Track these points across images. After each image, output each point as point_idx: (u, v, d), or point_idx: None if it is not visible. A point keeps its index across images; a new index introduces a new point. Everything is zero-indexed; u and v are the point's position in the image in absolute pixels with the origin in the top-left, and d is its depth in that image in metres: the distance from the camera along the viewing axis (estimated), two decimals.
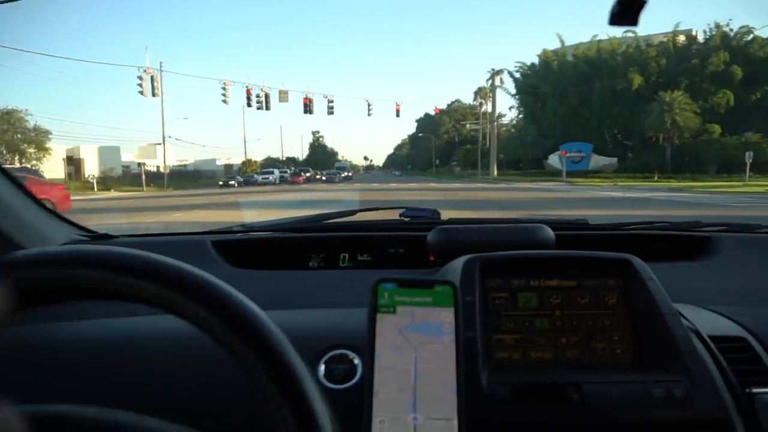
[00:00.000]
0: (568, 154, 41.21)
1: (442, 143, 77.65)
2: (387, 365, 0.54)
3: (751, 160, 31.13)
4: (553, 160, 44.95)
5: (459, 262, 0.93)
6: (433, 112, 62.97)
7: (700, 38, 45.31)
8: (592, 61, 45.96)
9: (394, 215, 1.61)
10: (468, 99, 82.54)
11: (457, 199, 17.47)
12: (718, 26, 43.70)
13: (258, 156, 76.02)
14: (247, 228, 1.43)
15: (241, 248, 1.29)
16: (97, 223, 9.31)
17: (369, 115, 36.07)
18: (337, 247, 1.38)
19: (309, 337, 0.83)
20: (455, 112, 77.00)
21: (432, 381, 0.53)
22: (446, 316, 0.56)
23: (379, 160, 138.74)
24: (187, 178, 48.92)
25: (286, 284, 1.12)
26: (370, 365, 0.54)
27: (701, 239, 1.49)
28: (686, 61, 42.05)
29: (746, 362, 0.86)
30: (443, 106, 79.47)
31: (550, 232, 1.21)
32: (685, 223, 1.62)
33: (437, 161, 69.99)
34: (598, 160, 43.28)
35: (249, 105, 33.49)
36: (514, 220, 1.42)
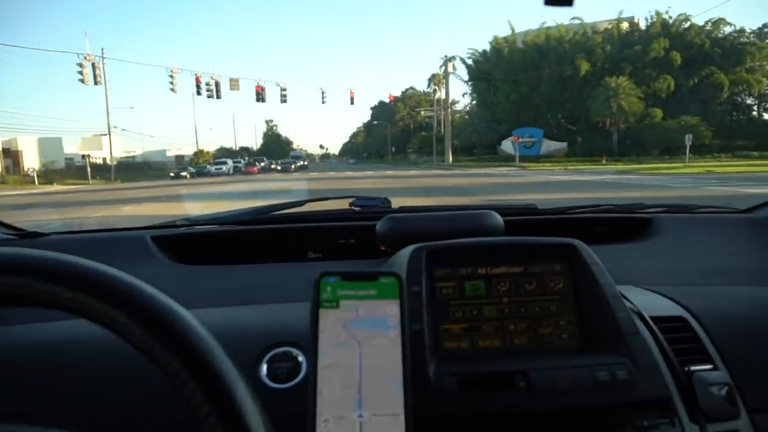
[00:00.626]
0: (520, 140, 41.99)
1: (398, 131, 77.78)
2: (330, 362, 0.53)
3: (690, 143, 32.58)
4: (506, 145, 45.60)
5: (405, 253, 0.92)
6: (387, 100, 62.85)
7: (642, 25, 46.99)
8: (541, 48, 46.81)
9: (344, 205, 1.59)
10: (422, 86, 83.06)
11: (413, 186, 17.57)
12: (658, 14, 45.41)
13: (210, 146, 74.20)
14: (192, 222, 1.38)
15: (185, 243, 1.25)
16: (34, 219, 8.86)
17: (323, 102, 35.71)
18: (286, 239, 1.35)
19: (251, 335, 0.81)
20: (410, 99, 77.15)
21: (377, 376, 0.52)
22: (391, 309, 0.56)
23: (334, 149, 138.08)
24: (136, 170, 47.25)
25: (233, 280, 1.09)
26: (313, 363, 0.53)
27: (643, 221, 1.54)
28: (629, 48, 43.43)
29: (685, 341, 0.88)
30: (398, 93, 79.62)
31: (498, 219, 1.22)
32: (628, 205, 1.67)
33: (393, 149, 70.09)
34: (549, 145, 44.21)
35: (198, 93, 32.60)
36: (464, 207, 1.43)
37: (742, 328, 0.93)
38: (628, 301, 0.92)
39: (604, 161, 36.38)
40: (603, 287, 0.86)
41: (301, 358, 0.78)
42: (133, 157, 59.06)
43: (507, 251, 0.91)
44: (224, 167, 42.18)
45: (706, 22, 43.86)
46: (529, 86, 47.21)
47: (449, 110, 51.35)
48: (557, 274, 0.90)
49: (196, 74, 31.64)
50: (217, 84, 32.30)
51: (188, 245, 1.25)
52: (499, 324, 0.85)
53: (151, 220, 1.62)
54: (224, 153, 68.40)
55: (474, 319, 0.85)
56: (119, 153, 50.85)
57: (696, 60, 42.35)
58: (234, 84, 33.84)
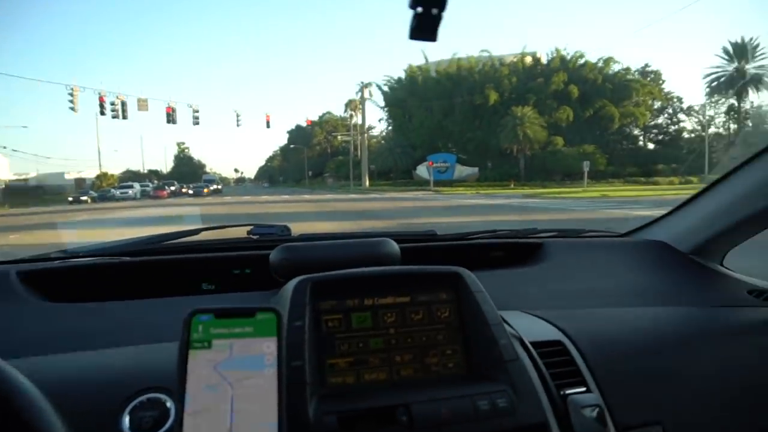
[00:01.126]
0: (434, 165, 43.28)
1: (315, 155, 77.50)
2: (199, 408, 0.49)
3: (588, 169, 35.28)
4: (421, 170, 46.69)
5: (290, 285, 0.90)
6: (304, 124, 62.71)
7: (544, 60, 50.56)
8: (453, 78, 48.84)
9: (242, 233, 1.53)
10: (339, 111, 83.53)
11: (329, 210, 17.57)
12: (557, 50, 49.20)
13: (116, 169, 69.81)
14: (70, 254, 1.26)
15: (57, 278, 1.14)
16: None
17: (238, 125, 34.89)
18: (176, 271, 1.28)
19: (116, 381, 0.76)
20: (327, 123, 77.39)
21: (250, 420, 0.49)
22: (269, 347, 0.52)
23: (250, 173, 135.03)
24: (28, 194, 43.50)
25: (107, 318, 1.01)
26: (179, 410, 0.50)
27: (535, 245, 1.61)
28: (533, 80, 46.55)
29: (562, 365, 0.92)
30: (315, 117, 79.66)
31: (395, 247, 1.22)
32: (523, 230, 1.74)
33: (310, 173, 69.70)
34: (461, 170, 45.93)
35: (102, 113, 30.69)
36: (363, 235, 1.42)
37: (613, 349, 0.99)
38: (511, 327, 0.95)
39: (512, 186, 38.18)
40: (486, 315, 0.88)
41: (169, 404, 0.74)
42: (26, 180, 54.39)
43: (394, 281, 0.91)
44: (130, 191, 39.82)
45: (598, 60, 48.31)
46: (442, 113, 48.82)
47: (366, 135, 52.06)
48: (443, 302, 0.90)
49: (99, 93, 29.86)
50: (123, 104, 30.61)
51: (61, 280, 1.14)
52: (385, 356, 0.84)
53: (31, 250, 1.48)
54: (131, 176, 64.76)
55: (360, 352, 0.84)
56: (8, 175, 46.57)
57: (591, 93, 46.11)
58: (142, 104, 32.26)
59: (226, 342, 0.52)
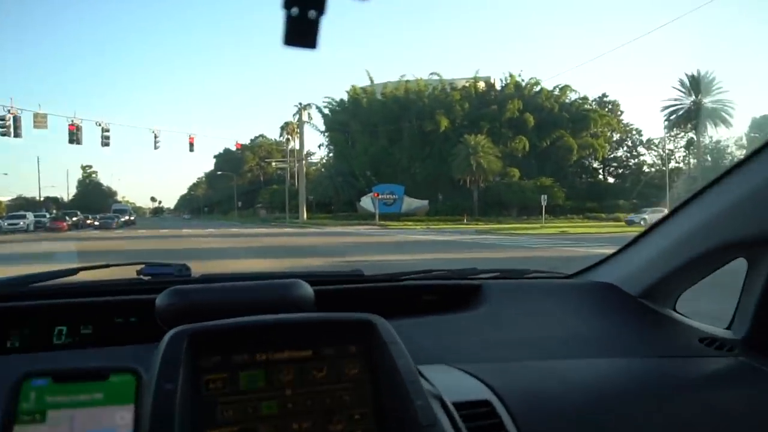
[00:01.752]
0: (380, 196, 43.68)
1: (245, 183, 76.61)
2: None
3: (545, 203, 36.42)
4: (366, 202, 46.99)
5: (165, 338, 0.84)
6: (234, 148, 62.08)
7: (498, 86, 52.57)
8: (400, 101, 50.00)
9: (131, 273, 1.45)
10: (274, 134, 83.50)
11: (258, 246, 17.39)
12: (512, 76, 51.39)
13: (5, 195, 66.67)
14: None
15: None
16: None
17: (156, 147, 34.03)
18: (48, 319, 1.19)
19: None
20: (259, 148, 77.03)
21: None
22: (123, 418, 0.47)
23: (170, 202, 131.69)
24: None
25: None
26: None
27: (472, 288, 1.59)
28: (486, 107, 48.21)
29: (488, 428, 0.90)
30: (246, 141, 79.08)
31: (307, 289, 1.18)
32: (460, 270, 1.74)
33: (240, 203, 68.81)
34: (410, 203, 46.51)
35: None
36: (273, 275, 1.38)
37: (548, 408, 0.97)
38: (431, 384, 0.92)
39: (465, 220, 39.11)
40: (401, 370, 0.84)
41: None
42: None
43: (294, 331, 0.87)
44: (21, 222, 37.52)
45: (554, 87, 50.81)
46: (388, 139, 49.74)
47: (304, 162, 52.15)
48: (352, 356, 0.87)
49: None
50: (15, 119, 29.26)
51: None
52: (280, 423, 0.79)
53: None
54: (24, 204, 61.74)
55: (249, 419, 0.78)
56: None
57: (547, 122, 48.13)
58: (40, 120, 30.88)
59: (66, 413, 0.45)
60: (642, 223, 31.00)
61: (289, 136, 69.14)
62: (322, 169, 58.29)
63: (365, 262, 11.31)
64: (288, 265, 10.73)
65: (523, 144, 46.74)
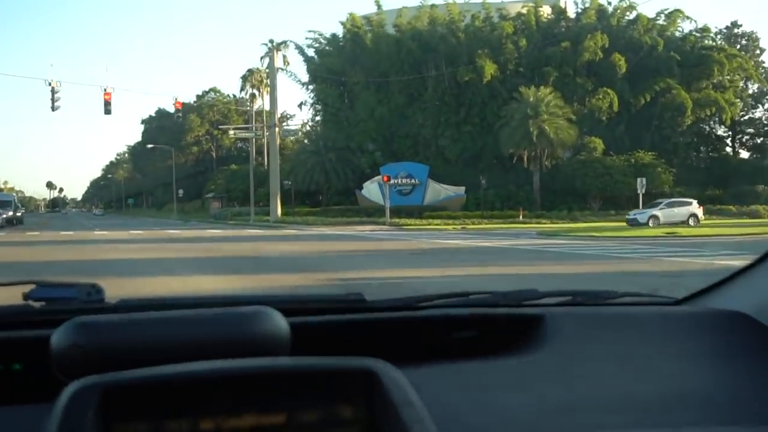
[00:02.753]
0: (392, 181, 43.85)
1: (190, 161, 76.84)
2: None
3: (643, 190, 36.11)
4: (371, 190, 47.44)
5: (63, 396, 0.85)
6: (172, 108, 61.80)
7: (571, 12, 52.13)
8: (422, 37, 49.82)
9: (14, 297, 1.47)
10: (232, 88, 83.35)
11: (209, 257, 17.68)
12: None
13: None
14: None
15: None
16: None
17: (54, 109, 34.06)
18: None
19: None
20: (210, 109, 77.09)
21: None
22: None
23: (76, 190, 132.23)
24: None
25: None
26: None
27: (530, 319, 1.60)
28: (554, 44, 47.86)
29: None
30: (190, 98, 79.16)
31: (278, 322, 1.17)
32: (513, 293, 1.74)
33: (181, 191, 68.74)
34: (437, 191, 46.68)
35: None
36: (223, 301, 1.38)
37: None
38: None
39: (520, 217, 39.12)
40: None
41: None
42: None
43: (258, 385, 0.88)
44: None
45: (658, 14, 50.39)
46: (405, 96, 49.57)
47: (278, 130, 52.04)
48: (345, 424, 0.88)
49: None
50: None
51: None
52: None
53: None
54: None
55: None
56: None
57: (646, 68, 47.76)
58: None
59: None
60: (651, 223, 33.64)
61: (255, 91, 69.01)
62: (306, 141, 58.43)
63: (368, 281, 11.34)
64: (252, 286, 10.77)
65: (609, 101, 46.74)
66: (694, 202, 36.10)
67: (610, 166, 43.73)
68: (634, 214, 34.94)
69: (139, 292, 9.24)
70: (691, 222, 33.92)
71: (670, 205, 35.51)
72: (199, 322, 1.17)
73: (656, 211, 34.67)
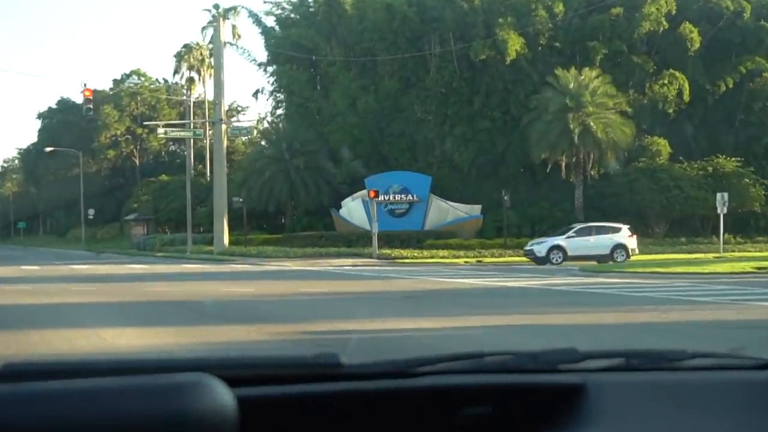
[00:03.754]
0: (382, 197, 44.24)
1: (104, 169, 76.64)
2: None
3: (725, 209, 36.33)
4: (352, 209, 47.87)
5: None
6: (79, 98, 61.82)
7: None
8: (423, 1, 50.12)
9: None
10: (162, 70, 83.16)
11: (131, 300, 17.70)
12: None
13: None
14: None
15: None
16: None
17: None
18: None
19: None
20: (132, 98, 77.00)
21: None
22: None
23: None
24: None
25: None
26: None
27: (566, 389, 1.64)
28: (602, 11, 48.44)
29: None
30: (104, 84, 79.05)
31: (220, 395, 1.17)
32: (544, 354, 1.74)
33: (91, 212, 68.49)
34: (443, 211, 47.04)
35: None
36: (146, 365, 1.38)
37: None
38: None
39: None
40: None
41: None
42: None
43: None
44: None
45: None
46: (399, 81, 50.28)
47: (225, 128, 52.13)
48: None
49: None
50: None
51: None
52: None
53: None
54: None
55: None
56: None
57: (728, 42, 48.48)
58: None
59: None
60: (554, 258, 34.39)
61: (194, 75, 68.89)
62: (263, 143, 58.93)
63: (347, 335, 11.36)
64: (187, 343, 10.80)
65: (677, 87, 47.26)
66: (624, 228, 36.41)
67: (679, 176, 44.20)
68: (532, 245, 35.98)
69: (33, 352, 9.17)
70: (617, 256, 34.49)
71: (584, 231, 35.93)
72: (115, 395, 1.18)
73: (560, 241, 35.25)
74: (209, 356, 1.57)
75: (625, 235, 35.54)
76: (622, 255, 34.52)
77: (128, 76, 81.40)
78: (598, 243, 34.67)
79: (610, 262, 32.89)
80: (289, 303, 17.29)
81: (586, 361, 1.76)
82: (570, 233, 35.41)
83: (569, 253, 33.93)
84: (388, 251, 38.85)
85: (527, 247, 35.86)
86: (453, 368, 1.73)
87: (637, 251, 35.34)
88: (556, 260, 33.56)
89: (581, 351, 1.79)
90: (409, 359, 1.73)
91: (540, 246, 35.02)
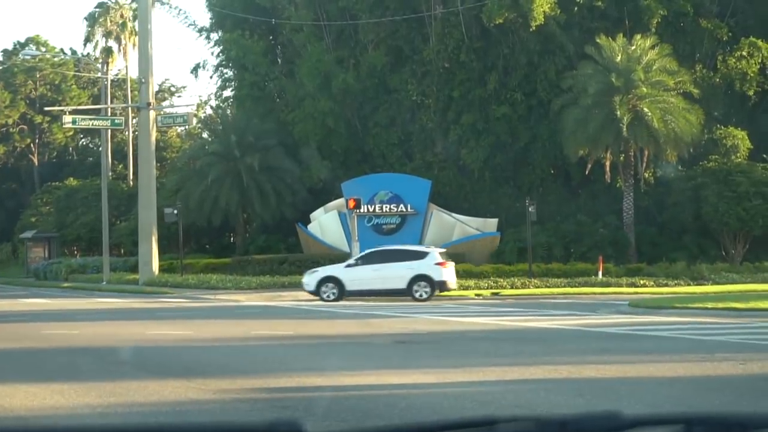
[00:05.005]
0: (365, 208, 44.71)
1: None
2: None
3: None
4: (324, 224, 48.33)
5: None
6: None
7: None
8: None
9: None
10: (71, 39, 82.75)
11: (17, 348, 17.70)
12: None
13: None
14: None
15: None
16: None
17: None
18: None
19: None
20: (29, 76, 76.88)
21: None
22: None
23: None
24: None
25: None
26: None
27: None
28: None
29: None
30: None
31: None
32: (578, 421, 1.75)
33: None
34: (448, 227, 47.49)
35: None
36: None
37: None
38: None
39: (599, 273, 39.89)
40: None
41: None
42: None
43: None
44: None
45: None
46: (388, 53, 50.95)
47: (154, 114, 52.03)
48: None
49: None
50: None
51: None
52: None
53: None
54: None
55: None
56: None
57: None
58: None
59: None
60: (328, 296, 33.30)
61: (113, 44, 68.87)
62: (206, 135, 59.59)
63: (315, 392, 11.44)
64: (98, 404, 10.75)
65: (759, 61, 47.44)
66: (434, 252, 35.53)
67: (763, 180, 44.27)
68: (306, 275, 35.29)
69: None
70: (418, 292, 33.14)
71: (375, 257, 35.02)
72: None
73: (336, 271, 34.59)
74: (128, 424, 1.58)
75: (431, 263, 33.92)
76: (426, 290, 33.06)
77: (23, 45, 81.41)
78: (392, 273, 33.33)
79: (417, 302, 31.80)
80: (240, 350, 17.26)
81: (633, 430, 1.77)
82: (353, 260, 34.86)
83: (348, 288, 33.06)
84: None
85: (306, 279, 34.71)
86: None
87: (453, 285, 34.43)
88: (329, 296, 32.65)
89: (627, 415, 1.80)
90: (397, 426, 1.74)
91: (310, 277, 34.19)
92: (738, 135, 45.59)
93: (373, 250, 35.47)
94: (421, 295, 32.26)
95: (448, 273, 33.66)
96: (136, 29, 56.10)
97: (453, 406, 9.76)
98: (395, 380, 12.53)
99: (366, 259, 34.28)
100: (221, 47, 56.52)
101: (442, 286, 33.44)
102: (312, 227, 48.59)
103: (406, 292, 32.54)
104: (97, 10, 68.88)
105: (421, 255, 34.40)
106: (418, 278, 32.85)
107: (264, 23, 52.00)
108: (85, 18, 69.59)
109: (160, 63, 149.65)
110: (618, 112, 42.31)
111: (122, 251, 51.56)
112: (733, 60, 47.20)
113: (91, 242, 54.53)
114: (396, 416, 9.44)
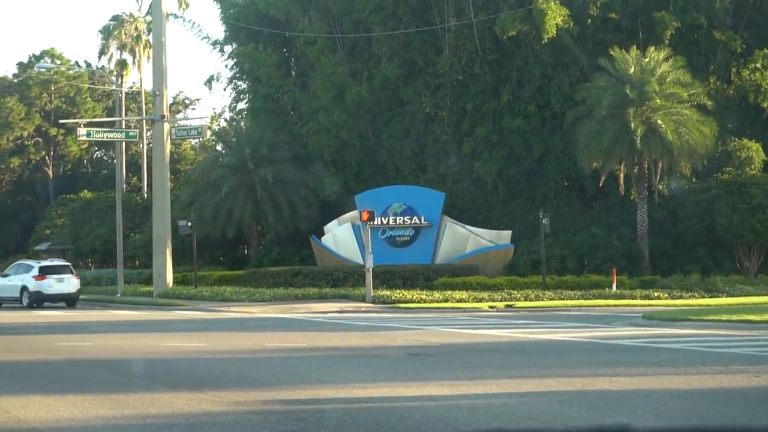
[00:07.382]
0: (379, 220, 44.60)
1: (6, 182, 76.25)
2: None
3: None
4: (338, 237, 48.44)
5: None
6: None
7: None
8: None
9: None
10: (86, 51, 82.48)
11: (31, 360, 17.59)
12: None
13: None
14: None
15: None
16: None
17: None
18: None
19: None
20: (44, 88, 76.67)
21: None
22: None
23: None
24: None
25: None
26: None
27: None
28: None
29: None
30: (8, 68, 78.66)
31: None
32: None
33: None
34: (461, 239, 47.46)
35: None
36: None
37: None
38: None
39: (614, 285, 39.66)
40: None
41: None
42: None
43: None
44: None
45: None
46: (401, 65, 50.69)
47: (168, 127, 51.88)
48: None
49: None
50: None
51: None
52: None
53: None
54: None
55: None
56: None
57: None
58: None
59: None
60: (26, 302, 34.90)
61: (127, 57, 68.56)
62: (220, 148, 59.43)
63: (327, 404, 11.49)
64: (110, 416, 10.79)
65: None
66: (36, 266, 36.90)
67: None
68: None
69: None
70: (25, 301, 34.80)
71: (15, 270, 36.79)
72: None
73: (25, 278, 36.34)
74: None
75: (30, 277, 36.01)
76: (26, 299, 34.92)
77: (38, 58, 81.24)
78: (12, 284, 35.47)
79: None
80: (254, 362, 17.32)
81: None
82: (13, 268, 36.83)
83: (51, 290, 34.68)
84: (387, 293, 38.80)
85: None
86: None
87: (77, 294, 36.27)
88: (25, 302, 34.08)
89: (638, 428, 1.78)
90: None
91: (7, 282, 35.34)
92: (752, 147, 45.46)
93: (20, 263, 39.37)
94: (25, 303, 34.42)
95: (46, 284, 36.72)
96: (151, 42, 56.06)
97: (467, 419, 9.72)
98: (408, 392, 12.56)
99: (13, 271, 37.31)
100: (235, 60, 56.44)
101: (34, 296, 36.04)
102: (326, 239, 48.45)
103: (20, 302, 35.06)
104: (112, 23, 68.87)
105: (29, 268, 37.26)
106: (23, 290, 35.81)
107: (278, 36, 51.90)
108: (100, 31, 69.58)
109: (174, 75, 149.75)
110: (632, 125, 42.13)
111: (136, 263, 51.43)
112: (747, 72, 47.03)
113: (106, 254, 54.42)
114: (409, 429, 9.43)
